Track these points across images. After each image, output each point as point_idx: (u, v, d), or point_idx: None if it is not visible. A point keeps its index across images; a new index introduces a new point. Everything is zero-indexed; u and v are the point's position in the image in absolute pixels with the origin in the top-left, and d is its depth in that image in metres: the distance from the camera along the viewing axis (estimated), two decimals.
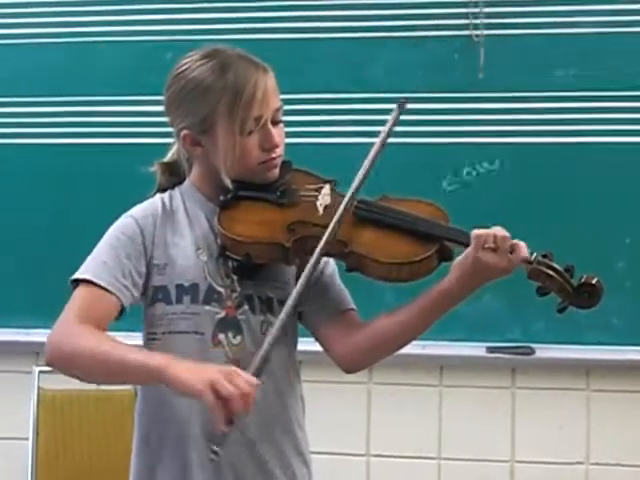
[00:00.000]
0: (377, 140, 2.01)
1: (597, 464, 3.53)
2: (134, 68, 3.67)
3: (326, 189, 2.03)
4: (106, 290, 1.93)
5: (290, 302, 1.88)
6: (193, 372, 1.77)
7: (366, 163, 1.98)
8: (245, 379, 1.76)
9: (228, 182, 1.99)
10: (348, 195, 1.95)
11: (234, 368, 1.79)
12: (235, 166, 1.98)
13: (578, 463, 3.54)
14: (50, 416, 3.37)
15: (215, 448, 1.78)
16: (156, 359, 1.82)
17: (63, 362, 1.89)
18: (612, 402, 3.51)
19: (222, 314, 1.98)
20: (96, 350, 1.85)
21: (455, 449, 3.60)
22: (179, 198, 2.06)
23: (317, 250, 1.90)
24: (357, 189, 1.96)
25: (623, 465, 3.51)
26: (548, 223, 3.36)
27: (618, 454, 3.51)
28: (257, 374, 1.80)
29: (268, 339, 1.85)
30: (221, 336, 1.96)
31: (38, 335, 3.58)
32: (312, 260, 1.90)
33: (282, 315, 1.87)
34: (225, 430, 1.76)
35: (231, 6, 3.66)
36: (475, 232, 1.90)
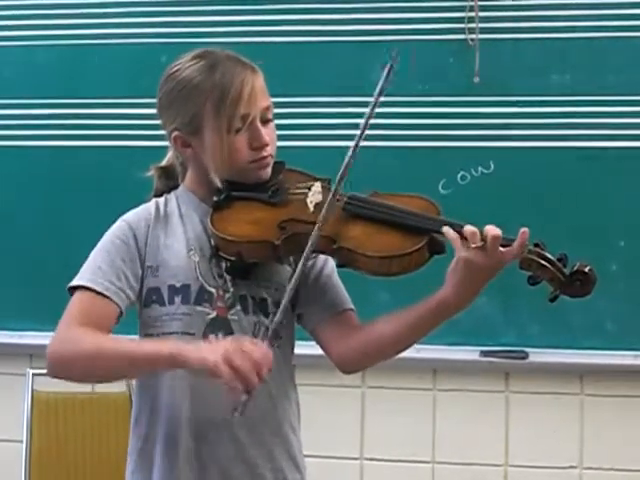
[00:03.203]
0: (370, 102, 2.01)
1: (590, 468, 3.53)
2: (129, 71, 3.67)
3: (317, 186, 2.04)
4: (102, 295, 1.95)
5: (290, 285, 1.90)
6: (205, 349, 1.80)
7: (351, 149, 1.99)
8: (257, 348, 1.79)
9: (217, 181, 2.01)
10: (332, 190, 1.96)
11: (245, 338, 1.83)
12: (225, 165, 1.99)
13: (572, 467, 3.54)
14: (44, 418, 3.37)
15: (236, 414, 1.81)
16: (166, 345, 1.85)
17: (65, 368, 1.91)
18: (606, 407, 3.51)
19: (213, 314, 1.99)
20: (99, 349, 1.88)
21: (449, 453, 3.59)
22: (174, 202, 2.07)
23: (308, 244, 1.91)
24: (341, 181, 1.96)
25: (616, 470, 3.50)
26: (543, 226, 3.32)
27: (611, 459, 3.51)
28: (270, 342, 1.84)
29: (280, 307, 1.89)
30: (211, 337, 1.96)
31: (32, 338, 3.59)
32: (304, 253, 1.91)
33: (290, 285, 1.90)
34: (243, 399, 1.78)
35: (226, 9, 3.66)
36: (457, 235, 1.88)
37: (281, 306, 1.89)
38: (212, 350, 1.79)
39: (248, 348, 1.78)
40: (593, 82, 3.49)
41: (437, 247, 1.95)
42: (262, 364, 1.78)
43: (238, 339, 1.82)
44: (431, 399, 3.61)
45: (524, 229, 1.87)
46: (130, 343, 1.89)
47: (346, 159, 1.97)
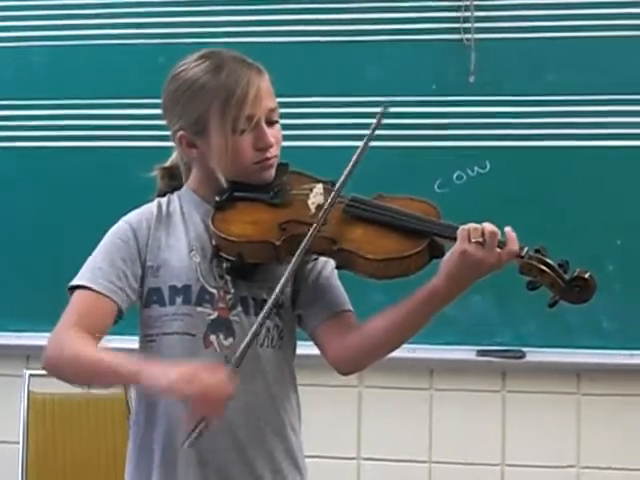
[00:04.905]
0: (361, 143, 2.02)
1: (588, 467, 3.54)
2: (127, 71, 3.67)
3: (318, 188, 2.04)
4: (101, 294, 1.95)
5: (276, 290, 1.89)
6: (161, 375, 1.80)
7: (350, 164, 1.99)
8: (214, 377, 1.77)
9: (223, 181, 2.00)
10: (333, 193, 1.96)
11: (203, 365, 1.81)
12: (230, 166, 1.99)
13: (569, 466, 3.54)
14: (40, 419, 3.37)
15: (186, 444, 1.80)
16: (130, 365, 1.85)
17: (51, 367, 1.93)
18: (602, 405, 3.51)
19: (214, 315, 1.98)
20: (78, 355, 1.89)
21: (446, 452, 3.60)
22: (177, 202, 2.07)
23: (302, 245, 1.91)
24: (341, 187, 1.97)
25: (613, 469, 3.51)
26: (539, 226, 3.36)
27: (609, 457, 3.51)
28: (236, 365, 1.82)
29: (250, 331, 1.87)
30: (212, 337, 1.96)
31: (29, 339, 3.59)
32: (297, 253, 1.90)
33: (268, 303, 1.89)
34: (195, 428, 1.77)
35: (223, 9, 3.66)
36: (462, 226, 1.89)
37: (254, 327, 1.88)
38: (165, 379, 1.78)
39: (204, 377, 1.77)
40: (588, 81, 3.50)
41: (437, 250, 1.94)
42: (218, 394, 1.77)
43: (200, 365, 1.81)
44: (428, 399, 3.62)
45: (507, 228, 1.89)
46: (106, 354, 1.89)
47: (349, 165, 1.98)
